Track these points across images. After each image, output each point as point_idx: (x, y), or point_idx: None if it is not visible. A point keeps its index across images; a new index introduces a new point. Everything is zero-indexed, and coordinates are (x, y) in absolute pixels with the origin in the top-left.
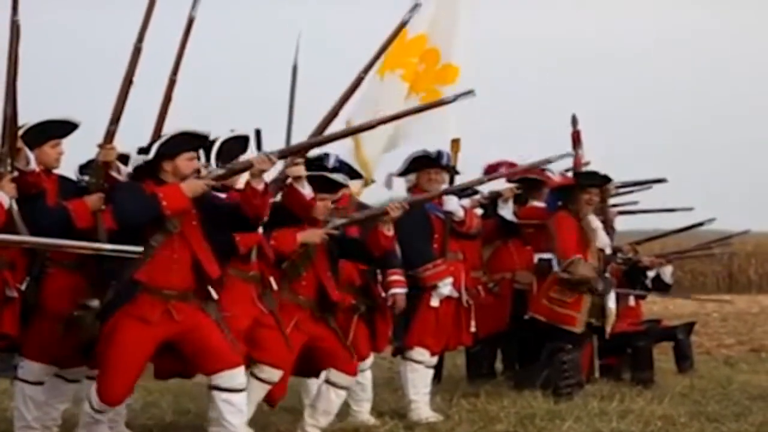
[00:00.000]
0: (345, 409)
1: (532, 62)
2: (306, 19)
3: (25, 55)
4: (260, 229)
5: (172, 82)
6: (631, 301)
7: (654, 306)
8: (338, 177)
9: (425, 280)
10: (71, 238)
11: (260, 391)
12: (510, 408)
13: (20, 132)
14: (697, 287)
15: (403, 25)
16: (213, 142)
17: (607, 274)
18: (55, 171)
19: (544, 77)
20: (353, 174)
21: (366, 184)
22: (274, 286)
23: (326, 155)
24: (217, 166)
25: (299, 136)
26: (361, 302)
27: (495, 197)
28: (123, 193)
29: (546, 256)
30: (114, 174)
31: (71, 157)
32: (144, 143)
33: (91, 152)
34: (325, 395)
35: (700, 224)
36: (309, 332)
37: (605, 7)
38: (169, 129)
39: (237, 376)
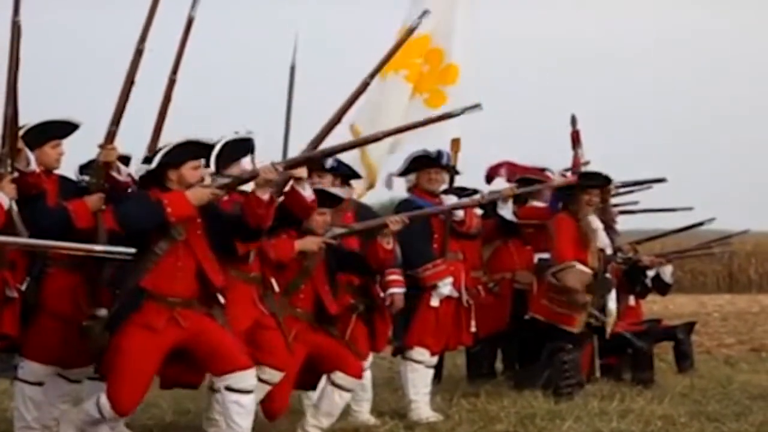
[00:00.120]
0: (345, 409)
1: (532, 62)
2: (304, 19)
3: (25, 55)
4: None
5: (171, 82)
6: (632, 301)
7: (654, 306)
8: (338, 191)
9: (425, 280)
10: (71, 238)
11: (260, 392)
12: (510, 408)
13: (21, 132)
14: (697, 287)
15: (411, 31)
16: (215, 144)
17: (608, 275)
18: (56, 171)
19: (544, 77)
20: (352, 174)
21: (371, 186)
22: (276, 288)
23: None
24: (217, 167)
25: (298, 136)
26: (360, 302)
27: (495, 197)
28: (128, 199)
29: (546, 256)
30: (114, 174)
31: (71, 157)
32: (144, 143)
33: (90, 153)
34: (329, 397)
35: (700, 224)
36: (310, 341)
37: (605, 7)
38: (171, 133)
39: (248, 377)
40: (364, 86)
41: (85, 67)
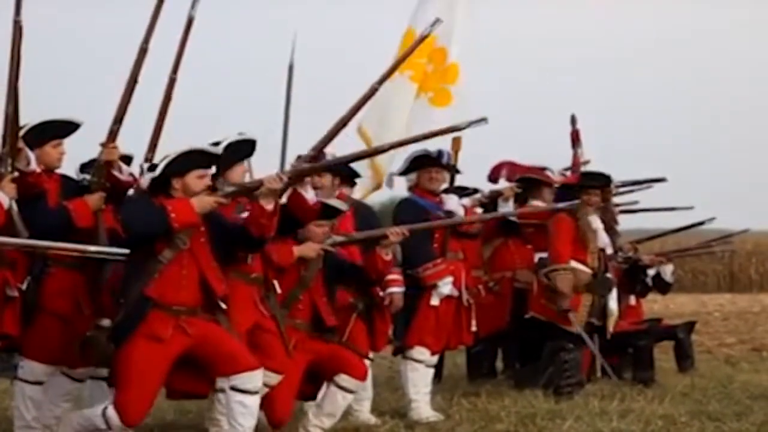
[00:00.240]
0: (346, 409)
1: (532, 62)
2: (303, 18)
3: (26, 54)
4: None
5: (172, 81)
6: (632, 301)
7: (655, 305)
8: (337, 203)
9: (425, 280)
10: (72, 237)
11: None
12: (511, 407)
13: (22, 132)
14: (698, 286)
15: (422, 39)
16: (218, 144)
17: (609, 274)
18: (57, 170)
19: (544, 77)
20: (351, 173)
21: (378, 186)
22: (278, 290)
23: (323, 154)
24: (219, 168)
25: (296, 137)
26: (359, 301)
27: (495, 196)
28: (132, 204)
29: (546, 255)
30: (116, 173)
31: (72, 156)
32: (144, 142)
33: (91, 152)
34: (332, 397)
35: (701, 223)
36: (310, 349)
37: (605, 7)
38: (172, 133)
39: (254, 378)
40: (373, 91)
41: (86, 66)
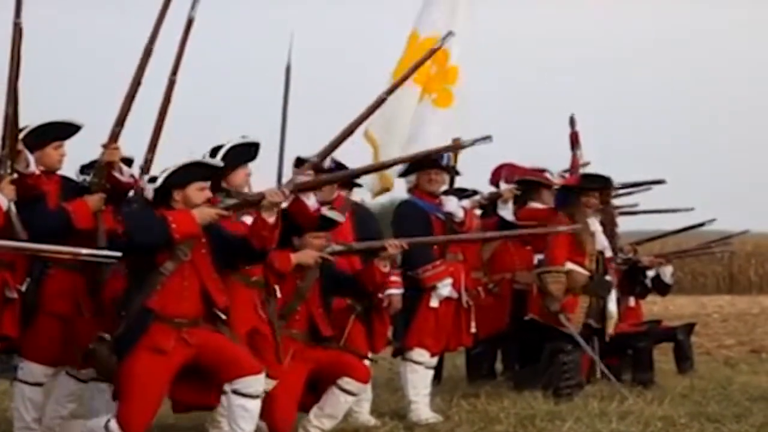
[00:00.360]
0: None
1: (532, 62)
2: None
3: (26, 56)
4: None
5: (171, 83)
6: (632, 302)
7: (654, 307)
8: (334, 215)
9: (425, 281)
10: (72, 238)
11: None
12: (510, 409)
13: (23, 133)
14: (697, 288)
15: (433, 51)
16: (221, 147)
17: (608, 277)
18: (57, 172)
19: (544, 77)
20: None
21: (386, 189)
22: (278, 294)
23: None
24: (221, 170)
25: (293, 137)
26: (358, 302)
27: (495, 198)
28: (133, 215)
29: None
30: (116, 175)
31: (70, 158)
32: (143, 144)
33: (90, 154)
34: (334, 399)
35: (701, 224)
36: (310, 358)
37: (604, 7)
38: (171, 134)
39: (256, 382)
40: (381, 101)
41: (86, 67)
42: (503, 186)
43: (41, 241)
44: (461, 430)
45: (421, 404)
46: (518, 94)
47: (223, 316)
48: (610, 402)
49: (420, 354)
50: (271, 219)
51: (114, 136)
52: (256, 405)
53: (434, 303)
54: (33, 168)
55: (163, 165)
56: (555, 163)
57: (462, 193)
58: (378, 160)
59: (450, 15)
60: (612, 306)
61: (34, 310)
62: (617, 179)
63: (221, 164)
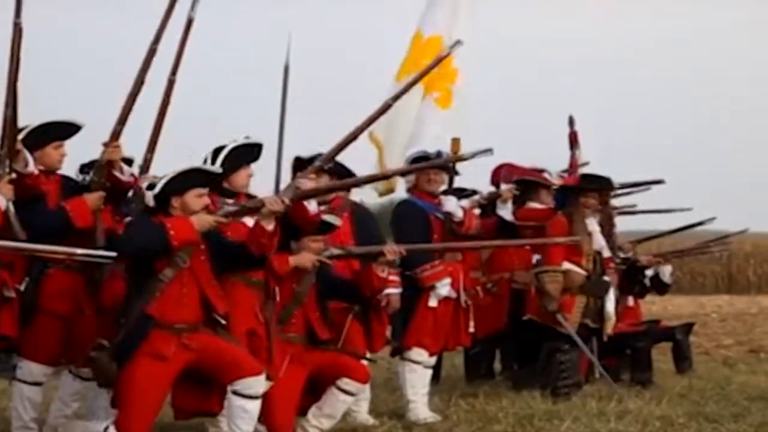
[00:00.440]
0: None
1: (531, 62)
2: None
3: (27, 56)
4: None
5: (171, 82)
6: (630, 302)
7: (653, 306)
8: (332, 219)
9: (423, 281)
10: (71, 238)
11: None
12: (508, 408)
13: (23, 133)
14: (696, 288)
15: (441, 59)
16: (223, 147)
17: (606, 277)
18: (58, 172)
19: (544, 77)
20: (348, 174)
21: (391, 190)
22: (278, 297)
23: (320, 155)
24: (224, 170)
25: (292, 137)
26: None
27: (494, 198)
28: (132, 223)
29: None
30: (117, 174)
31: (70, 158)
32: (143, 144)
33: (90, 154)
34: (333, 399)
35: (701, 223)
36: (309, 362)
37: (605, 7)
38: (170, 134)
39: (256, 383)
40: (386, 107)
41: (86, 67)
42: (503, 186)
43: (41, 240)
44: (459, 429)
45: (420, 404)
46: (519, 94)
47: (223, 321)
48: (609, 402)
49: (418, 353)
50: (269, 226)
51: (115, 135)
52: (255, 406)
53: (433, 302)
54: (32, 168)
55: (162, 165)
56: (555, 163)
57: (461, 193)
58: (382, 160)
59: (451, 15)
60: (610, 306)
61: (33, 310)
62: (618, 179)
63: (219, 170)
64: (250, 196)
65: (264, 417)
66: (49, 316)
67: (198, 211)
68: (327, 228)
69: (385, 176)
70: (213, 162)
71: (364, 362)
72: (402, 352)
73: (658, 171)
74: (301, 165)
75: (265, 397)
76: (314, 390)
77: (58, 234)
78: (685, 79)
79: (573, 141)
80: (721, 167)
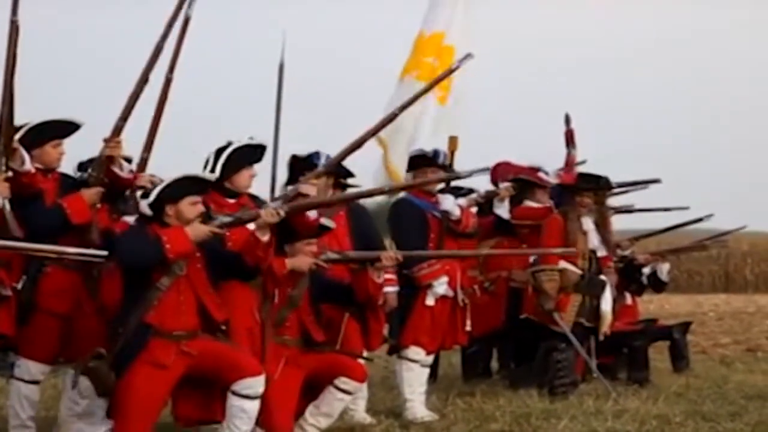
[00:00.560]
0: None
1: (531, 62)
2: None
3: (26, 55)
4: None
5: (168, 81)
6: (628, 300)
7: (650, 305)
8: (326, 222)
9: (420, 279)
10: (68, 234)
11: None
12: (505, 407)
13: (22, 131)
14: (693, 286)
15: (451, 71)
16: (226, 147)
17: (602, 276)
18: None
19: (544, 77)
20: (346, 173)
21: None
22: (276, 299)
23: (316, 153)
24: (225, 171)
25: (290, 137)
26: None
27: (491, 196)
28: (127, 234)
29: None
30: (116, 170)
31: (68, 156)
32: (140, 142)
33: (89, 153)
34: (330, 398)
35: (699, 220)
36: (305, 364)
37: (605, 7)
38: (169, 133)
39: (256, 383)
40: (393, 117)
41: (86, 67)
42: (501, 185)
43: (38, 238)
44: (457, 428)
45: (417, 402)
46: (518, 93)
47: (223, 328)
48: (606, 400)
49: (415, 352)
50: (264, 237)
51: (117, 130)
52: (254, 406)
53: (430, 301)
54: (28, 166)
55: (160, 164)
56: (554, 161)
57: (458, 192)
58: (387, 161)
59: (452, 12)
60: (605, 305)
61: (30, 308)
62: (617, 179)
63: (214, 178)
64: (252, 197)
65: (262, 420)
66: (46, 314)
67: (192, 219)
68: (322, 230)
69: (382, 192)
70: (215, 162)
71: (361, 361)
72: (399, 350)
73: (657, 171)
74: (297, 163)
75: (263, 401)
76: (312, 392)
77: (55, 231)
78: (684, 79)
79: (569, 139)
80: (720, 167)
